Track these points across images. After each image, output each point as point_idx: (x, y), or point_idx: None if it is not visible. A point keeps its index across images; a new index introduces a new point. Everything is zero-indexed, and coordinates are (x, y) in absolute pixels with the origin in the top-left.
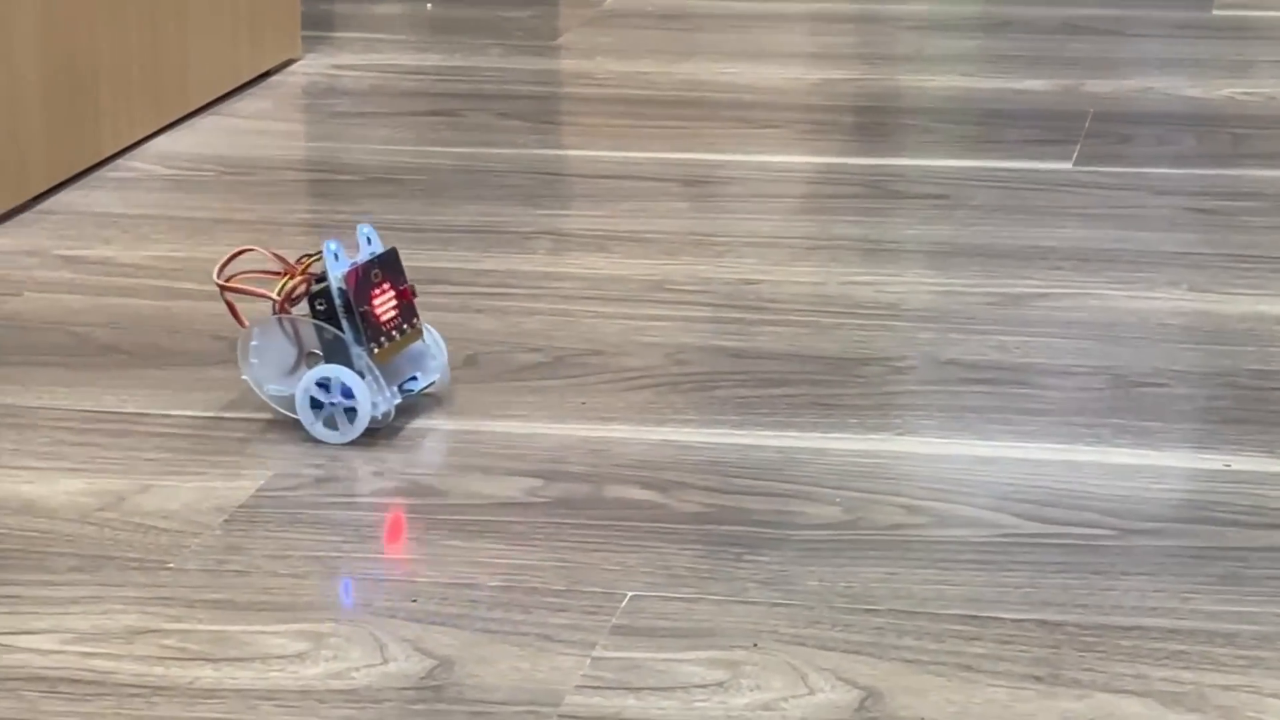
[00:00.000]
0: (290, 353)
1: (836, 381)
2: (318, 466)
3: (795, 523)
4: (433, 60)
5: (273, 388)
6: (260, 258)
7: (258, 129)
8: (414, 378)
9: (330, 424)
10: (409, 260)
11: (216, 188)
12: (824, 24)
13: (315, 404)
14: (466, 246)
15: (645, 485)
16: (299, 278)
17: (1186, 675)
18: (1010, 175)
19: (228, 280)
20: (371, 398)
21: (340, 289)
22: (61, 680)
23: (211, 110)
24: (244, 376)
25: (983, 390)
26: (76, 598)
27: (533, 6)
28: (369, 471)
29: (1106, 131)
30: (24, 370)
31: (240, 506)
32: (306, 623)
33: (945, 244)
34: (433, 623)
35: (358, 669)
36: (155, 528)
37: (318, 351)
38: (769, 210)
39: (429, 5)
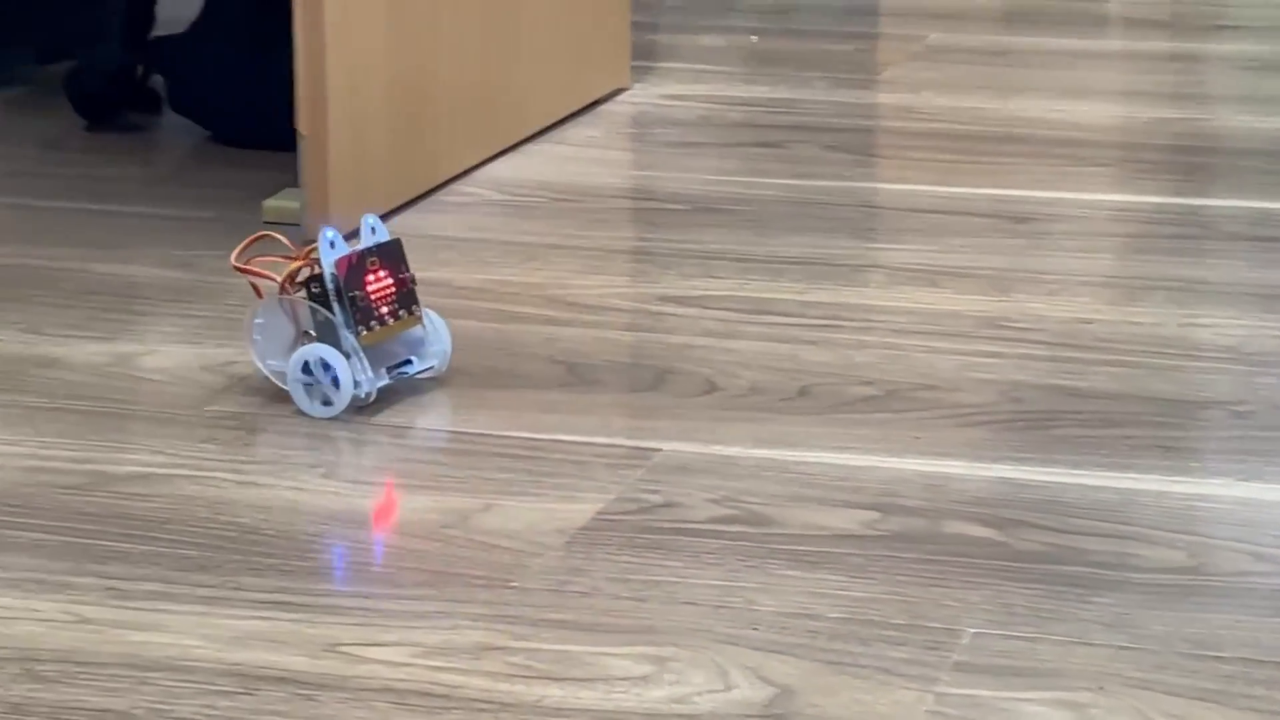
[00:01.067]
0: (289, 331)
1: (1176, 424)
2: (655, 492)
3: (1137, 566)
4: (758, 92)
5: (272, 363)
6: (276, 243)
7: (588, 156)
8: (409, 361)
9: (320, 399)
10: (739, 290)
11: (548, 213)
12: (1151, 62)
13: (306, 380)
14: (795, 278)
15: (983, 522)
16: (302, 262)
17: None
18: None
19: (246, 262)
20: (355, 377)
21: (332, 274)
22: (411, 693)
23: (543, 137)
24: (248, 352)
25: None
26: (425, 612)
27: (856, 40)
28: (705, 499)
29: None
30: None
31: (580, 528)
32: (649, 646)
33: None
34: (773, 651)
35: (700, 694)
36: (499, 546)
37: (312, 332)
38: (1101, 249)
39: (754, 38)
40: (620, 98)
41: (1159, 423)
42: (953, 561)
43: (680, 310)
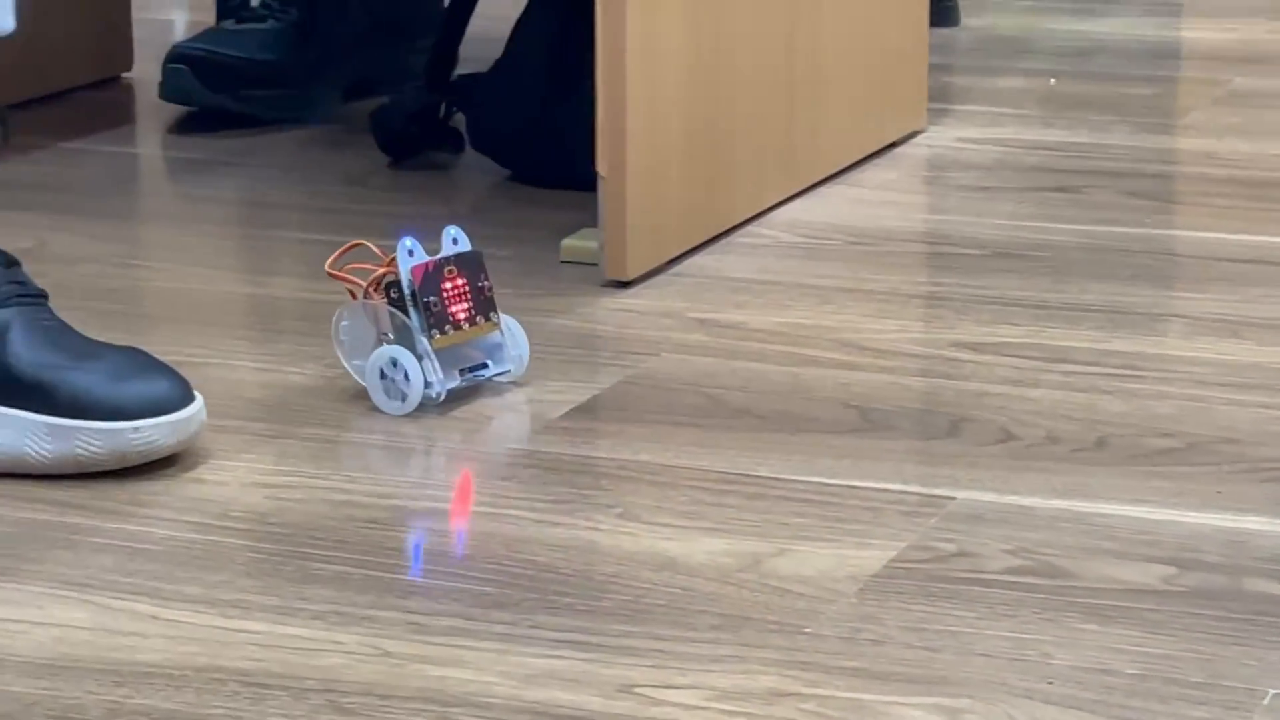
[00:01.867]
0: (371, 333)
1: None
2: (948, 540)
3: None
4: (1056, 135)
5: (357, 362)
6: (368, 252)
7: (883, 199)
8: (484, 365)
9: (397, 398)
10: (1035, 338)
11: (843, 256)
12: None
13: (384, 379)
14: (1094, 326)
15: None
16: (386, 269)
17: None
18: None
19: (340, 269)
20: (426, 378)
21: (408, 280)
22: None
23: (838, 179)
24: (336, 351)
25: None
26: (718, 656)
27: (1156, 84)
28: (1000, 549)
29: None
30: (662, 429)
31: (873, 576)
32: (942, 697)
33: None
34: (1069, 706)
35: None
36: (791, 592)
37: (390, 334)
38: None
39: (1052, 81)
40: (916, 140)
41: None
42: (1253, 620)
43: (975, 357)
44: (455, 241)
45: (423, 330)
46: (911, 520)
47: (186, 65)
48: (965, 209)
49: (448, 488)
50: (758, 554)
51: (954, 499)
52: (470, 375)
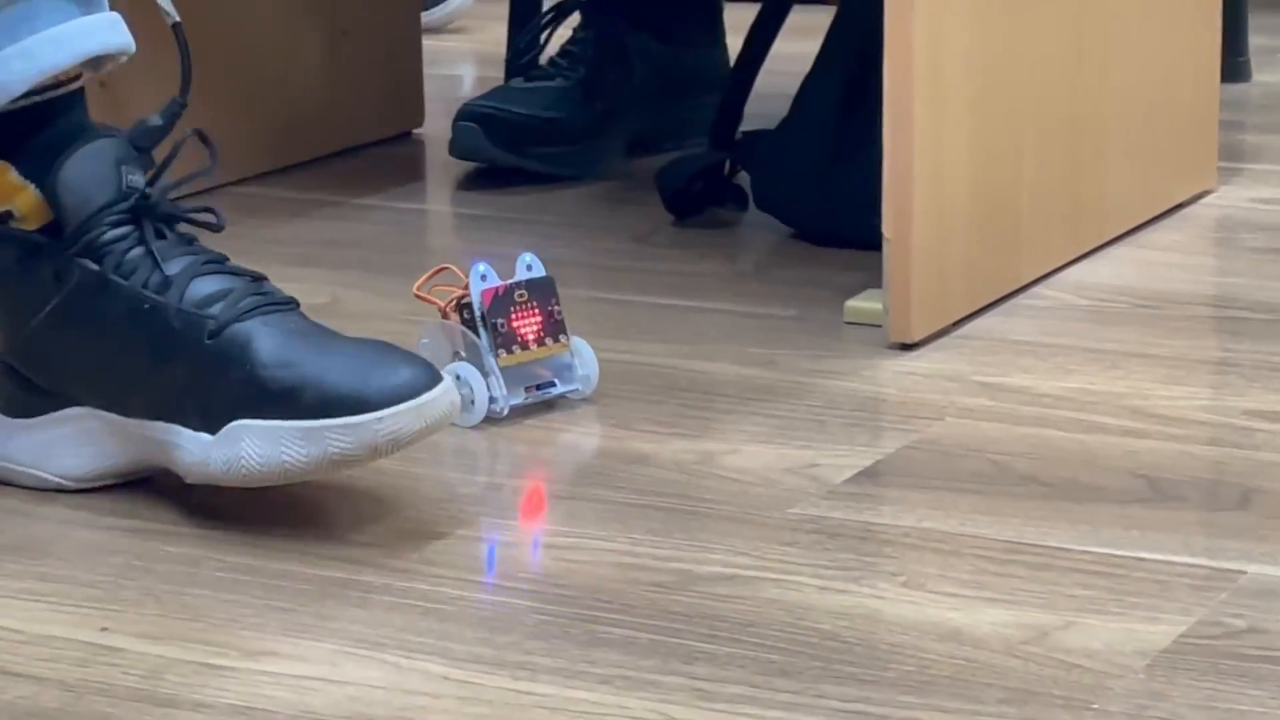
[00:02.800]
0: (447, 350)
1: None
2: (1239, 616)
3: None
4: None
5: None
6: (453, 275)
7: (1169, 261)
8: (552, 383)
9: (462, 408)
10: None
11: (1129, 320)
12: None
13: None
14: None
15: None
16: (463, 292)
17: None
18: None
19: (428, 292)
20: (491, 393)
21: (479, 303)
22: None
23: (1124, 241)
24: None
25: None
26: None
27: None
28: None
29: None
30: (946, 495)
31: (1162, 651)
32: None
33: None
34: None
35: None
36: (1079, 666)
37: (462, 352)
38: None
39: None
40: (1205, 200)
41: None
42: None
43: (1267, 426)
44: (529, 268)
45: (490, 349)
46: (1201, 594)
47: (477, 123)
48: (1255, 271)
49: (733, 552)
50: (1044, 626)
51: (1245, 573)
52: (537, 392)
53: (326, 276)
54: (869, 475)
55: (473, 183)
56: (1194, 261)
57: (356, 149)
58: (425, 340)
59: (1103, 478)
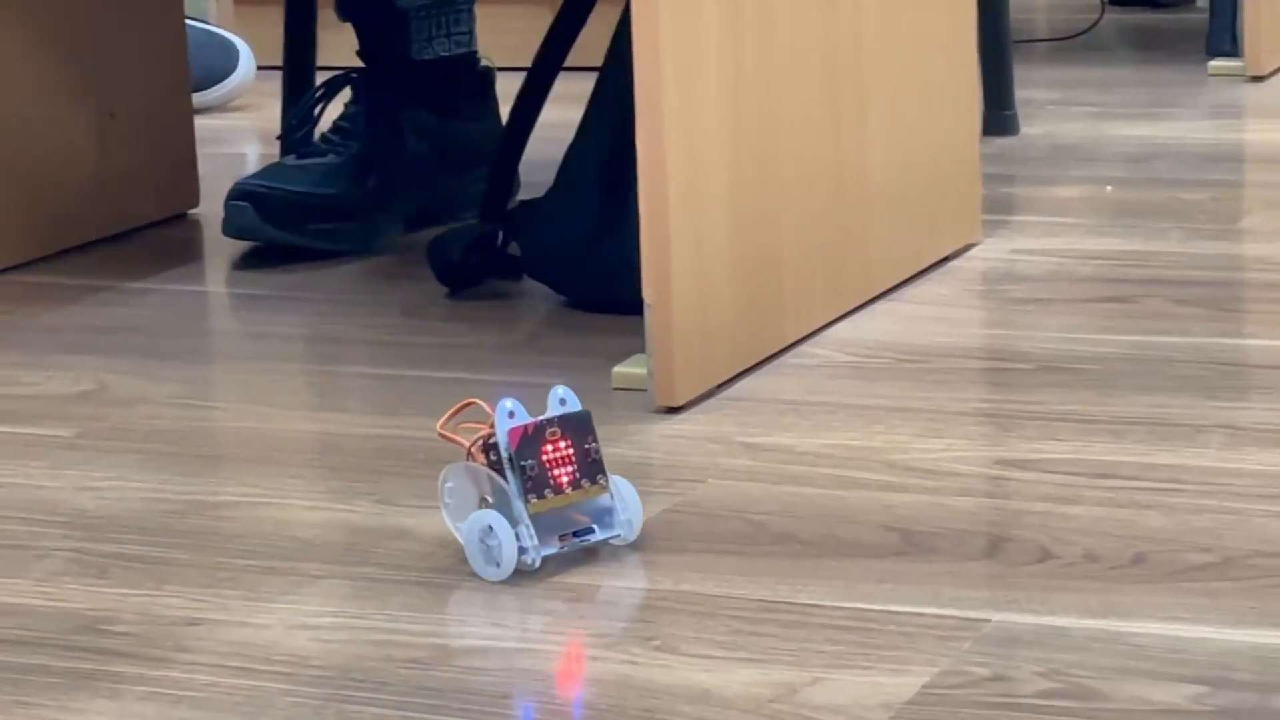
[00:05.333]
0: (474, 495)
1: None
2: (984, 665)
3: None
4: (1110, 245)
5: (459, 525)
6: (479, 410)
7: (934, 315)
8: (590, 530)
9: (490, 562)
10: (1080, 454)
11: (891, 375)
12: None
13: (481, 543)
14: (1138, 439)
15: None
16: (490, 430)
17: None
18: None
19: (453, 430)
20: (522, 544)
21: (506, 443)
22: None
23: (890, 296)
24: (442, 513)
25: None
26: None
27: (1215, 188)
28: (1033, 671)
29: None
30: (705, 557)
31: (906, 703)
32: None
33: None
34: None
35: None
36: None
37: (489, 498)
38: None
39: (1108, 189)
40: (971, 253)
41: None
42: None
43: (1018, 474)
44: (564, 402)
45: (519, 495)
46: (947, 644)
47: (248, 201)
48: (1016, 323)
49: (490, 624)
50: (792, 683)
51: (990, 621)
52: (574, 540)
53: (95, 363)
54: (634, 544)
55: (249, 262)
56: (957, 314)
57: (130, 232)
58: (450, 484)
59: (858, 532)
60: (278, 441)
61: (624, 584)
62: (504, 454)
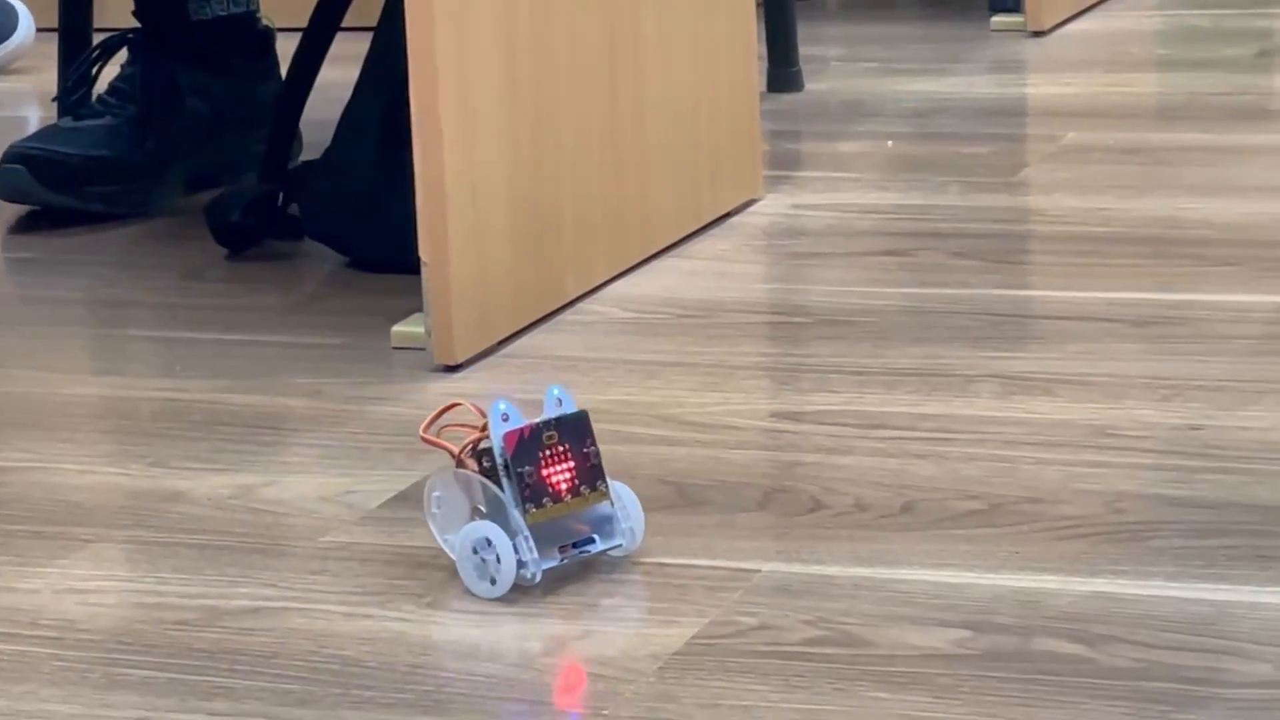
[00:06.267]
0: (465, 505)
1: (1277, 533)
2: (751, 615)
3: (1227, 681)
4: (891, 199)
5: (449, 538)
6: (466, 412)
7: (715, 271)
8: (591, 540)
9: (488, 579)
10: (853, 405)
11: (671, 330)
12: None
13: (475, 558)
14: (910, 390)
15: (1074, 639)
16: (481, 434)
17: None
18: None
19: (437, 433)
20: (519, 557)
21: (501, 449)
22: None
23: (672, 252)
24: (428, 526)
25: None
26: None
27: (994, 142)
28: (800, 620)
29: None
30: None
31: (674, 654)
32: None
33: None
34: None
35: None
36: (593, 674)
37: (483, 508)
38: (1221, 352)
39: (889, 143)
40: (753, 209)
41: (1259, 531)
42: (1040, 680)
43: (793, 427)
44: (560, 402)
45: (516, 504)
46: (717, 595)
47: (23, 165)
48: (794, 277)
49: (261, 584)
50: (562, 637)
51: (760, 571)
52: (574, 552)
53: None
54: (403, 499)
55: (25, 226)
56: (737, 270)
57: None
58: (437, 494)
59: (633, 487)
60: (51, 406)
61: (394, 543)
62: (499, 460)
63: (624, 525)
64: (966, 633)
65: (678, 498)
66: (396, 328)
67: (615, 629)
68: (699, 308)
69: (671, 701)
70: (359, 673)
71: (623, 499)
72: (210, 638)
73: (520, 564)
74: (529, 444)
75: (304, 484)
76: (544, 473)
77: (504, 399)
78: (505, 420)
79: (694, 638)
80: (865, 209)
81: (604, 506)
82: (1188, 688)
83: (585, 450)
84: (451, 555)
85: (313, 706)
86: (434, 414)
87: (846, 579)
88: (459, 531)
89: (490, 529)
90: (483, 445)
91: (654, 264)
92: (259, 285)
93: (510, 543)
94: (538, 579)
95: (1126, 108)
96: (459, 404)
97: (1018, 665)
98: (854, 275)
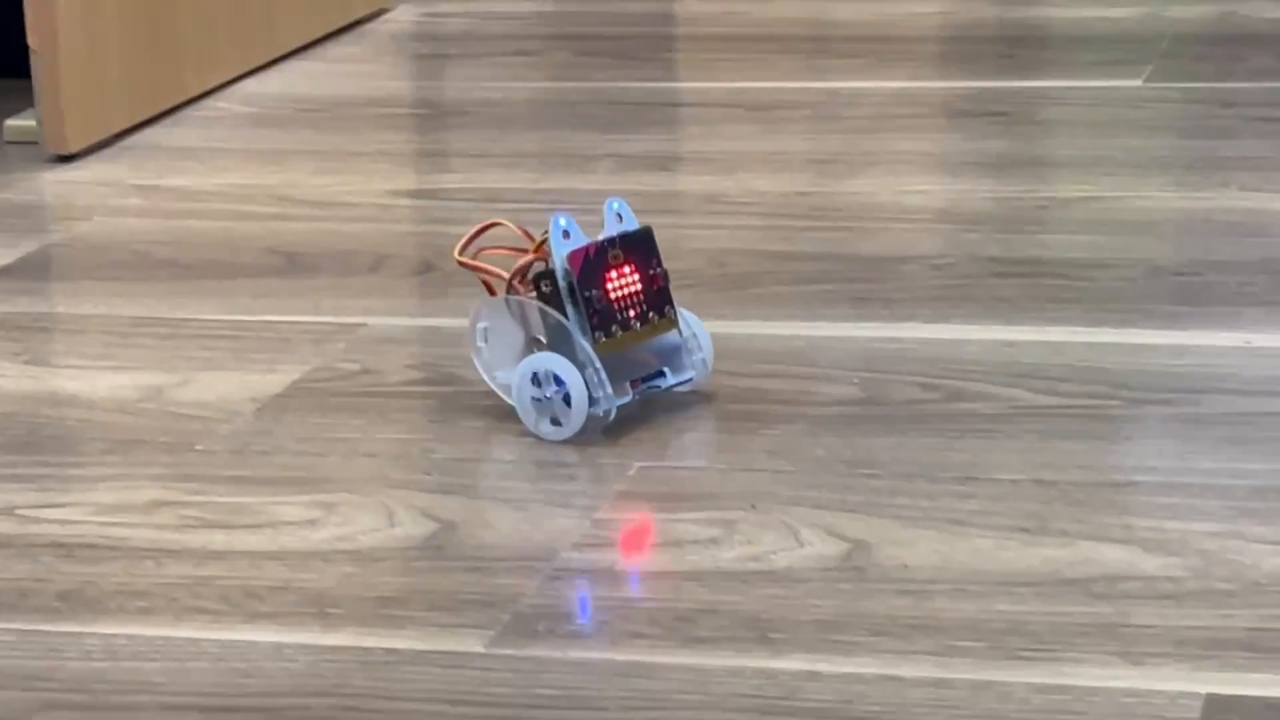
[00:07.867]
0: (519, 337)
1: (874, 278)
2: (354, 361)
3: (811, 400)
4: (520, 6)
5: (500, 375)
6: (509, 233)
7: (343, 71)
8: (661, 373)
9: (549, 418)
10: (470, 183)
11: (293, 123)
12: None
13: (535, 395)
14: (530, 169)
15: None
16: (535, 255)
17: (1172, 525)
18: (1080, 94)
19: (474, 256)
20: (591, 393)
21: (565, 270)
22: (78, 546)
23: (301, 55)
24: (474, 361)
25: (1017, 282)
26: (103, 476)
27: None
28: (403, 364)
29: (1181, 52)
30: (83, 284)
31: (275, 396)
32: (321, 494)
33: (1004, 156)
34: (443, 492)
35: (364, 533)
36: (189, 416)
37: (543, 338)
38: (833, 130)
39: None
40: (387, 17)
41: (857, 278)
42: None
43: (409, 203)
44: (620, 217)
45: (584, 332)
46: (321, 347)
47: None
48: (422, 75)
49: None
50: (161, 385)
51: (366, 325)
52: (645, 386)
53: None
54: (6, 273)
55: None
56: (364, 70)
57: None
58: (484, 324)
59: (243, 258)
60: None
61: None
62: (562, 283)
63: (695, 356)
64: None
65: (287, 265)
66: (10, 122)
67: (214, 376)
68: (324, 103)
69: (267, 436)
70: None
71: (692, 326)
72: None
73: (592, 400)
74: (594, 263)
75: None
76: (611, 296)
77: (564, 213)
78: (566, 237)
79: (295, 382)
80: (495, 16)
81: (673, 335)
82: (773, 407)
83: (652, 272)
84: (502, 394)
85: None
86: (470, 234)
87: (450, 330)
88: (515, 366)
89: (555, 361)
90: (540, 269)
91: (282, 65)
92: None
93: (580, 376)
94: (612, 416)
95: None
96: (499, 223)
97: None
98: (483, 73)
